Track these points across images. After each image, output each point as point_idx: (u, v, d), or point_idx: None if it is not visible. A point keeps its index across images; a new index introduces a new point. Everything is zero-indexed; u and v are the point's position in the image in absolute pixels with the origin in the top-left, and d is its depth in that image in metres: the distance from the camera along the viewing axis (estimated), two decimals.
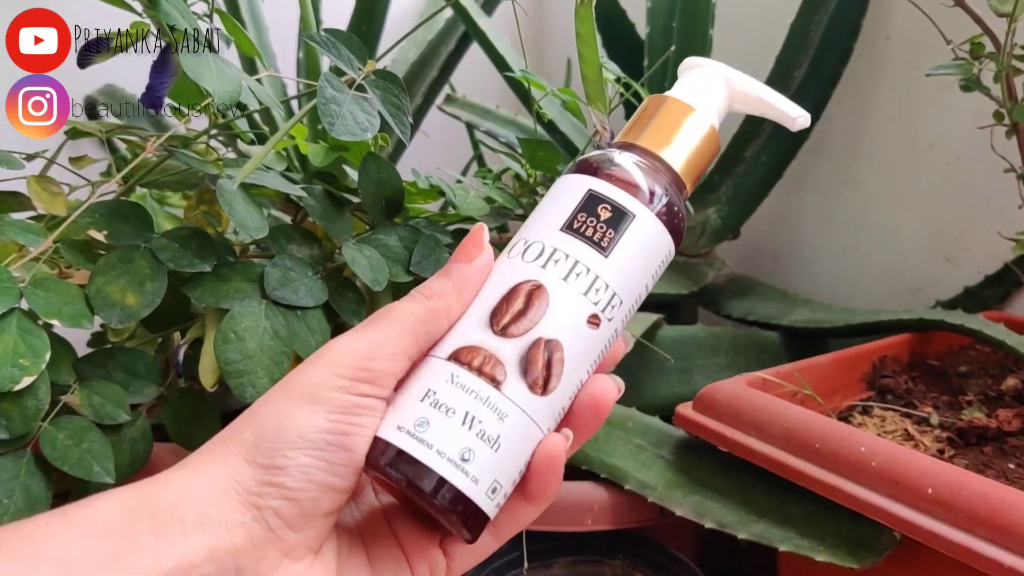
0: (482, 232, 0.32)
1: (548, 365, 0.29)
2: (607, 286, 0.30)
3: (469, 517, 0.28)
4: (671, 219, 0.32)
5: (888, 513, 0.42)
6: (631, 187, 0.31)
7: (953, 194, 0.77)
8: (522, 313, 0.29)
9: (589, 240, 0.30)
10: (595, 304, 0.30)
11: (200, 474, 0.27)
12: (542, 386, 0.29)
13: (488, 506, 0.29)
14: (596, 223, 0.30)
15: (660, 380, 0.70)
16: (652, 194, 0.31)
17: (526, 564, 0.56)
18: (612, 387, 0.31)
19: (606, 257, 0.30)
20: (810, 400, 0.58)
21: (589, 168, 0.32)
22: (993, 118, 0.59)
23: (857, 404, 0.60)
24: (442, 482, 0.27)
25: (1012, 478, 0.48)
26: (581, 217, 0.31)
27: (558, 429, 0.30)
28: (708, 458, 0.55)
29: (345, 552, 0.30)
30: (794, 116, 0.35)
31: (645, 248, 0.31)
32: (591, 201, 0.31)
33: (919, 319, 0.66)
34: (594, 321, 0.30)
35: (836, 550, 0.45)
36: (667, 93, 0.35)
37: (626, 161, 0.32)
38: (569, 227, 0.31)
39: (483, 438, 0.28)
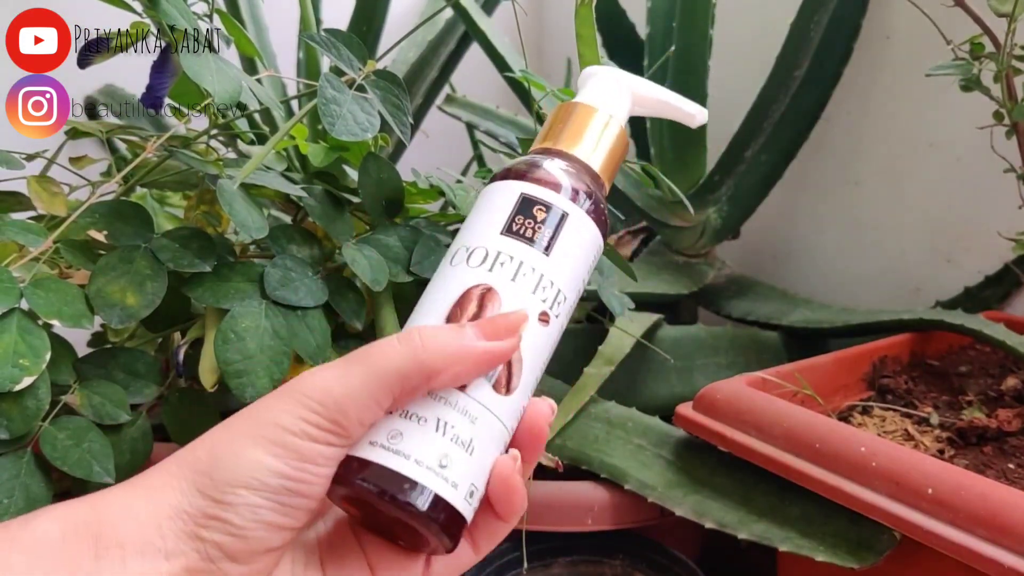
0: (521, 324, 0.30)
1: (508, 364, 0.30)
2: (552, 283, 0.31)
3: (450, 523, 0.28)
4: (598, 215, 0.33)
5: (888, 513, 0.42)
6: (560, 188, 0.32)
7: (953, 194, 0.77)
8: (477, 316, 0.30)
9: (530, 241, 0.31)
10: (544, 302, 0.31)
11: (146, 496, 0.26)
12: (505, 385, 0.30)
13: (467, 511, 0.29)
14: (534, 224, 0.31)
15: (660, 380, 0.70)
16: (578, 192, 0.33)
17: (526, 564, 0.56)
18: (546, 410, 0.31)
19: (548, 256, 0.31)
20: (810, 400, 0.58)
21: (516, 174, 0.33)
22: (993, 118, 0.59)
23: (857, 404, 0.60)
24: (423, 490, 0.27)
25: (1012, 478, 0.48)
26: (519, 220, 0.31)
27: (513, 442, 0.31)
28: (708, 458, 0.55)
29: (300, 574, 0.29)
30: (692, 113, 0.37)
31: (581, 244, 0.32)
32: (526, 204, 0.32)
33: (919, 319, 0.66)
34: (544, 318, 0.31)
35: (836, 550, 0.45)
36: (575, 100, 0.36)
37: (550, 165, 0.33)
38: (509, 230, 0.31)
39: (457, 443, 0.28)
